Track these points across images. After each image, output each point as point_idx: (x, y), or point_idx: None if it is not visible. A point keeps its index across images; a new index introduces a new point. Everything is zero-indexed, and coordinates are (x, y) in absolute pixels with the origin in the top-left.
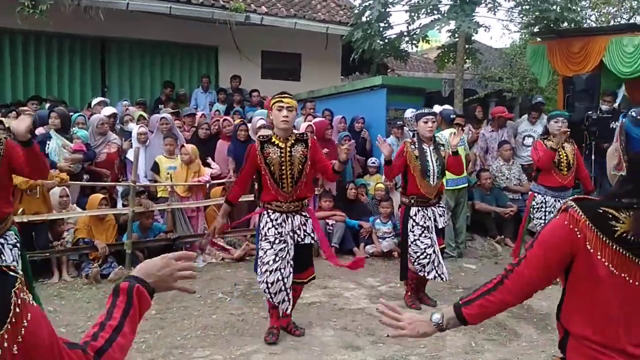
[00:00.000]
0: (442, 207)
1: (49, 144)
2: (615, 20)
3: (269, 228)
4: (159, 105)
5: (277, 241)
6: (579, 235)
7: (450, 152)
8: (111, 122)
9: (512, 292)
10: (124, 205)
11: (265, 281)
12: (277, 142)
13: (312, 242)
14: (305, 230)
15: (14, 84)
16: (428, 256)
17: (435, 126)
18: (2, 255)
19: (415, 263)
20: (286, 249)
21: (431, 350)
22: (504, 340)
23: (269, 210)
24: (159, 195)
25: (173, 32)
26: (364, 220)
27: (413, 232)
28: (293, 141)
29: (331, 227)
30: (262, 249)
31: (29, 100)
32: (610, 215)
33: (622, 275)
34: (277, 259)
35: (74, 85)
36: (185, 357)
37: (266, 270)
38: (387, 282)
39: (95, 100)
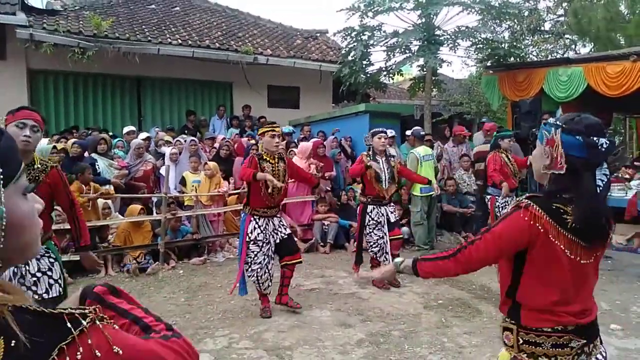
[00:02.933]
0: (393, 205)
1: (98, 165)
2: (552, 55)
3: (257, 233)
4: (185, 131)
5: (264, 245)
6: (541, 229)
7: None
8: (146, 144)
9: (461, 264)
10: (157, 213)
11: (255, 275)
12: (268, 159)
13: (290, 231)
14: (283, 227)
15: (67, 115)
16: (378, 245)
17: (387, 142)
18: (27, 266)
19: (369, 251)
20: (270, 247)
21: (410, 326)
22: (469, 317)
23: (255, 217)
24: (185, 203)
25: (196, 71)
26: (353, 221)
27: (369, 225)
28: (278, 159)
29: (327, 227)
30: (253, 252)
31: (67, 131)
32: (562, 210)
33: (575, 257)
34: (265, 257)
35: (115, 116)
36: (209, 336)
37: (258, 268)
38: None
39: (126, 129)
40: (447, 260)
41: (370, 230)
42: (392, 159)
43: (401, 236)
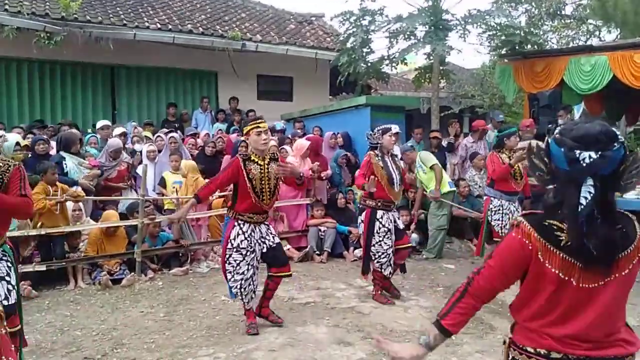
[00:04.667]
0: (399, 211)
1: (65, 164)
2: (574, 42)
3: (241, 240)
4: (165, 125)
5: (248, 253)
6: (530, 247)
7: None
8: (123, 141)
9: (476, 297)
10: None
11: (238, 287)
12: (256, 160)
13: (280, 241)
14: (271, 235)
15: (31, 108)
16: (387, 256)
17: (395, 139)
18: None
19: (375, 261)
20: (255, 257)
21: None
22: (481, 334)
23: (240, 222)
24: (165, 207)
25: (176, 59)
26: (352, 226)
27: (379, 233)
28: (269, 159)
29: (323, 233)
30: (235, 260)
31: (33, 125)
32: (555, 227)
33: (568, 278)
34: (250, 267)
35: (86, 109)
36: (191, 356)
37: (241, 279)
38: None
39: (99, 124)
40: (463, 300)
41: (380, 239)
42: (396, 158)
43: (410, 244)
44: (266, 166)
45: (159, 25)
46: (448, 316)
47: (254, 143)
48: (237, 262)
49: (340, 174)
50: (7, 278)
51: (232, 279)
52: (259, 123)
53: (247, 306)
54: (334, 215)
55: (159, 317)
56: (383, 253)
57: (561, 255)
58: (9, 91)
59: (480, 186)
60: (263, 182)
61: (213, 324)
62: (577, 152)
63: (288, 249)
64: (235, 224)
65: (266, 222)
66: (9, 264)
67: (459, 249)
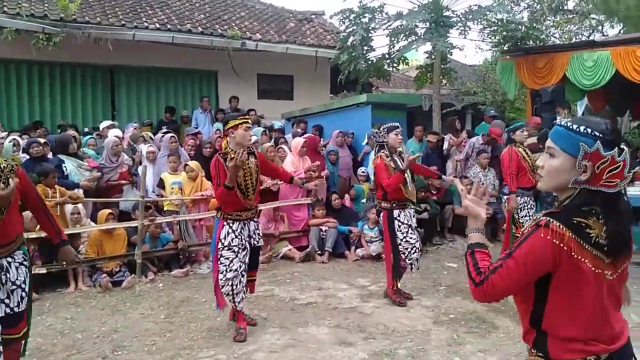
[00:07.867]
0: (413, 209)
1: (65, 167)
2: (577, 37)
3: (232, 238)
4: (162, 127)
5: (240, 250)
6: (564, 248)
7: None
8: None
9: (485, 295)
10: (133, 219)
11: (230, 285)
12: (235, 156)
13: (262, 244)
14: (258, 234)
15: (31, 110)
16: (416, 250)
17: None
18: (8, 274)
19: (407, 259)
20: (246, 253)
21: (417, 344)
22: (484, 333)
23: (229, 221)
24: (165, 208)
25: (176, 59)
26: (352, 226)
27: (400, 231)
28: (248, 154)
29: (324, 233)
30: (228, 258)
31: (30, 127)
32: (584, 224)
33: (601, 273)
34: (241, 264)
35: (86, 110)
36: (192, 358)
37: (232, 276)
38: (376, 282)
39: (104, 124)
40: (473, 286)
41: (404, 235)
42: (404, 156)
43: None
44: (246, 162)
45: (157, 25)
46: (471, 260)
47: (240, 138)
48: (230, 259)
49: (333, 172)
50: (23, 285)
51: (224, 278)
52: (247, 118)
53: (238, 307)
54: (335, 215)
55: (159, 319)
56: (412, 248)
57: (593, 251)
58: (8, 93)
59: (484, 184)
60: (246, 178)
61: (214, 325)
62: (623, 146)
63: (289, 249)
64: (225, 223)
65: (255, 220)
66: (27, 271)
67: (462, 247)
